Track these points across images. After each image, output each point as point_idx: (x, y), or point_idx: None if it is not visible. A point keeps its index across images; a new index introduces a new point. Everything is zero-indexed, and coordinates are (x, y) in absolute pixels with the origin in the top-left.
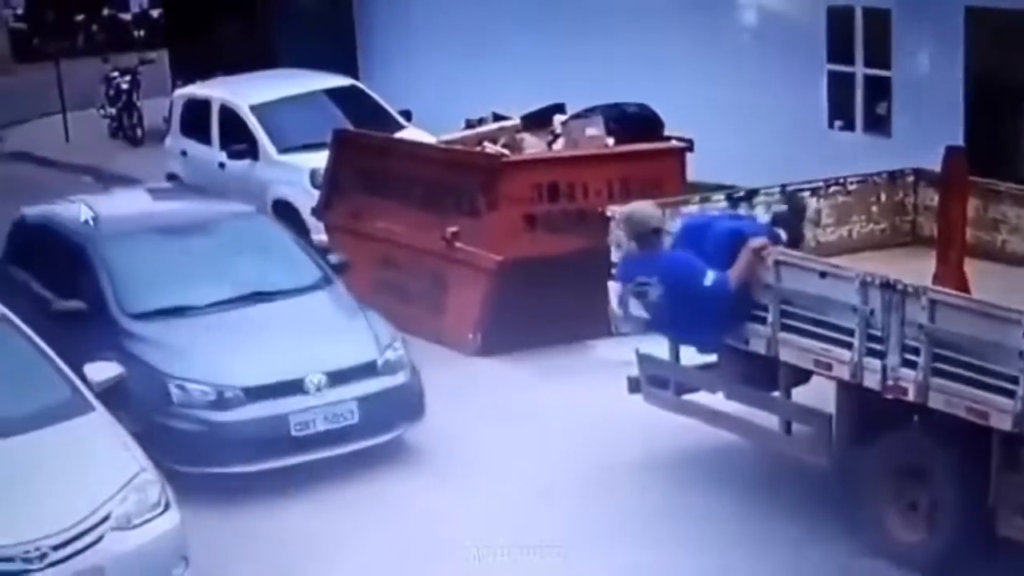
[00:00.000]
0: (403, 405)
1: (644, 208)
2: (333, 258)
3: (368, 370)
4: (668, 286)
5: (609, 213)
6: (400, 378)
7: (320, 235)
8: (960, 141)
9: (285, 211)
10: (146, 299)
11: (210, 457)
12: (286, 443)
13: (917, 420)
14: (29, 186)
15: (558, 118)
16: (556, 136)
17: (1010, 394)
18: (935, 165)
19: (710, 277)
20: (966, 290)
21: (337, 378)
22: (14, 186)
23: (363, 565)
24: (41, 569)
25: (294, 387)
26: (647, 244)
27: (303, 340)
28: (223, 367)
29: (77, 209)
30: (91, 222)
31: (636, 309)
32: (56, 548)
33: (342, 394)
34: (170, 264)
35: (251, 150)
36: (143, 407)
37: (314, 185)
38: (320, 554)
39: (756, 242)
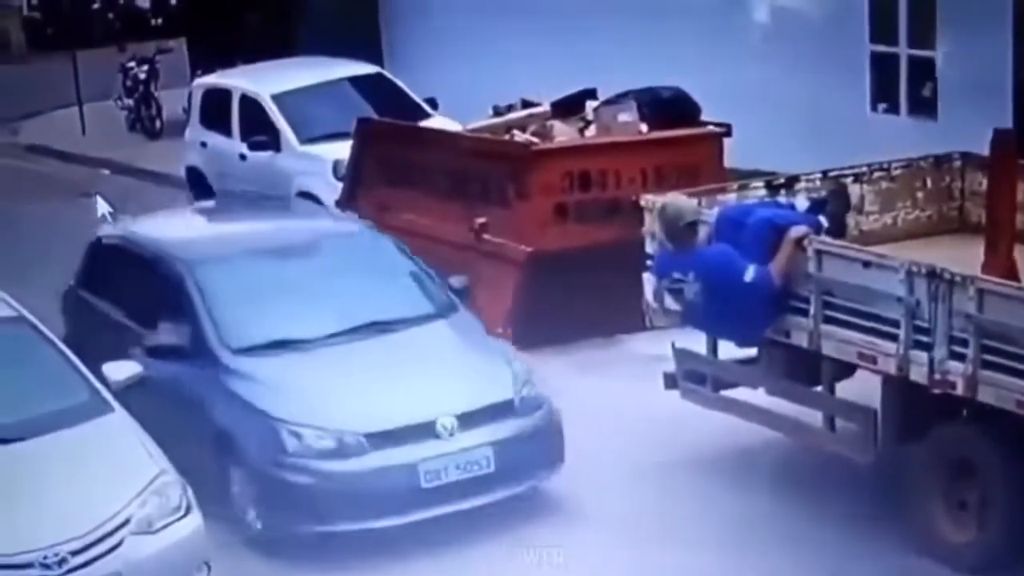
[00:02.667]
0: (542, 449)
1: (677, 201)
2: (455, 281)
3: (504, 410)
4: (706, 283)
5: (643, 203)
6: (538, 418)
7: None
8: (1009, 123)
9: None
10: (251, 332)
11: (329, 513)
12: (415, 496)
13: (966, 415)
14: (48, 181)
15: (589, 104)
16: (587, 123)
17: None
18: (983, 148)
19: (751, 272)
20: (1016, 278)
21: (470, 420)
22: (32, 181)
23: None
24: (61, 575)
25: (423, 432)
26: (682, 239)
27: (430, 377)
28: (342, 410)
29: (164, 227)
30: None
31: (672, 303)
32: (75, 553)
33: (476, 438)
34: (275, 291)
35: (273, 141)
36: (250, 457)
37: (337, 177)
38: None
39: (797, 231)
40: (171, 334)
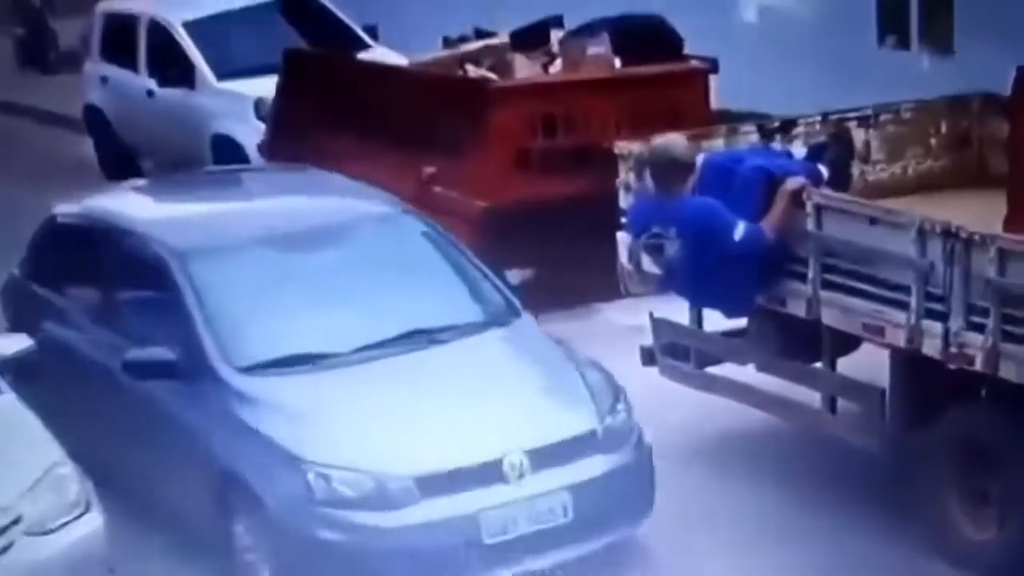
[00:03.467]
0: (630, 493)
1: (669, 138)
2: (512, 276)
3: (585, 444)
4: (689, 239)
5: (617, 150)
6: (627, 454)
7: None
8: None
9: (226, 149)
10: (262, 344)
11: None
12: (475, 554)
13: (986, 394)
14: None
15: (555, 35)
16: (552, 57)
17: None
18: (1006, 88)
19: (740, 229)
20: None
21: (544, 458)
22: None
23: None
24: None
25: (486, 474)
26: (665, 183)
27: (492, 403)
28: (384, 445)
29: (143, 204)
30: None
31: (650, 266)
32: None
33: (551, 481)
34: (291, 291)
35: (186, 76)
36: (264, 506)
37: (260, 117)
38: None
39: (793, 183)
40: (156, 346)
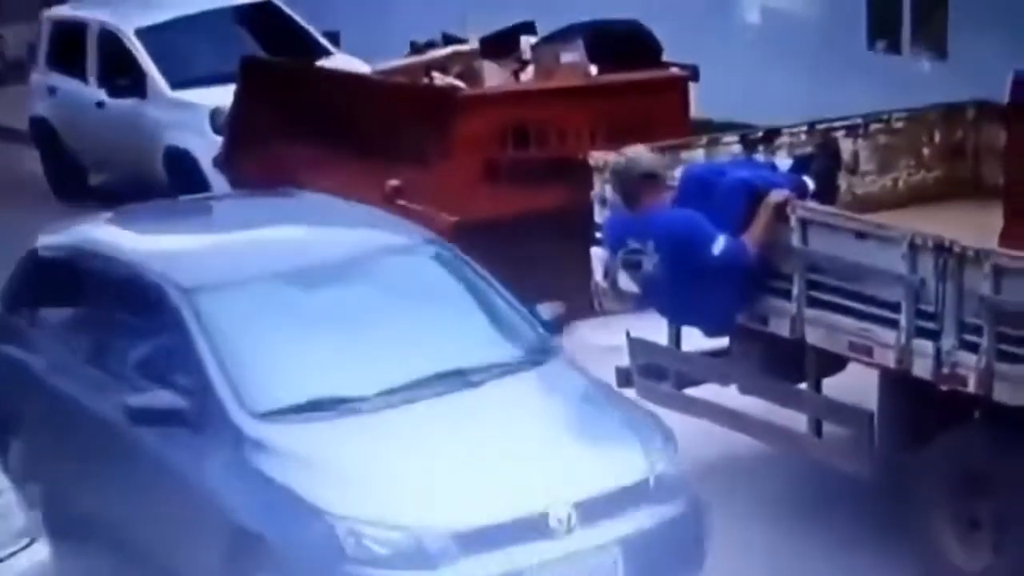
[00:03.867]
0: (682, 546)
1: (635, 150)
2: (545, 311)
3: (636, 495)
4: (667, 254)
5: (592, 161)
6: (680, 504)
7: (224, 191)
8: None
9: (180, 162)
10: (282, 388)
11: None
12: None
13: (979, 416)
14: None
15: (526, 41)
16: (524, 64)
17: None
18: (1002, 95)
19: (720, 244)
20: None
21: (593, 510)
22: None
23: None
24: None
25: (531, 528)
26: (637, 198)
27: (535, 450)
28: (420, 498)
29: (141, 233)
30: None
31: (627, 282)
32: None
33: (601, 535)
34: (309, 330)
35: (138, 86)
36: (288, 567)
37: (216, 129)
38: None
39: (777, 196)
40: (162, 390)
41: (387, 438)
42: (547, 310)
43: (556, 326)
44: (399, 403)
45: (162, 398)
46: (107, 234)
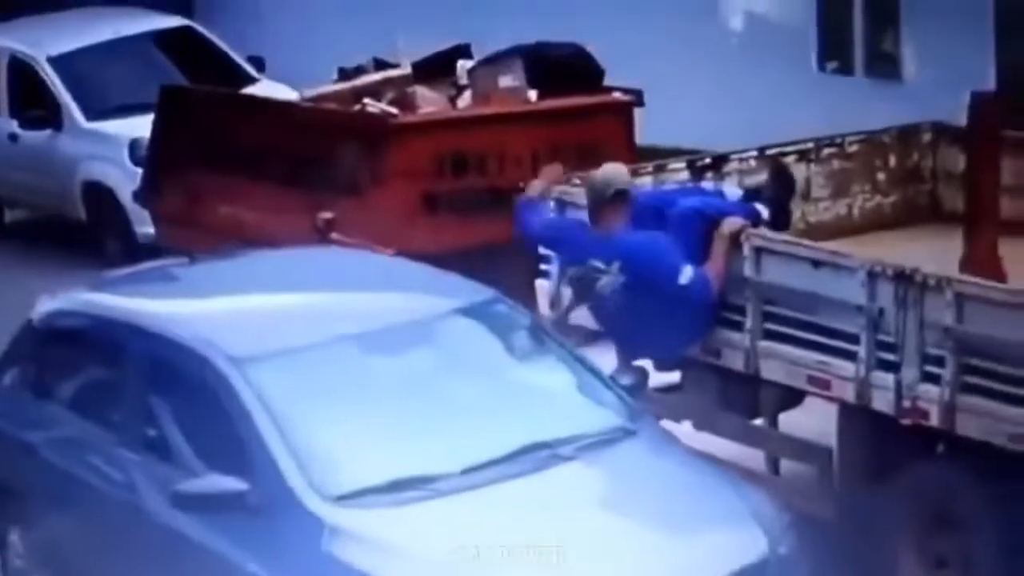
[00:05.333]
0: None
1: (614, 167)
2: (625, 378)
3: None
4: (633, 277)
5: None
6: None
7: (145, 227)
8: (991, 85)
9: (99, 197)
10: (356, 467)
11: None
12: None
13: (943, 451)
14: None
15: (462, 65)
16: (460, 89)
17: None
18: (960, 117)
19: (687, 274)
20: (1002, 278)
21: None
22: None
23: None
24: None
25: None
26: (605, 217)
27: (646, 532)
28: None
29: (160, 300)
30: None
31: (576, 313)
32: None
33: None
34: (380, 402)
35: (52, 117)
36: None
37: (136, 161)
38: None
39: (731, 225)
40: (219, 475)
41: (478, 522)
42: (627, 376)
43: (638, 391)
44: (486, 482)
45: (220, 482)
46: (123, 300)
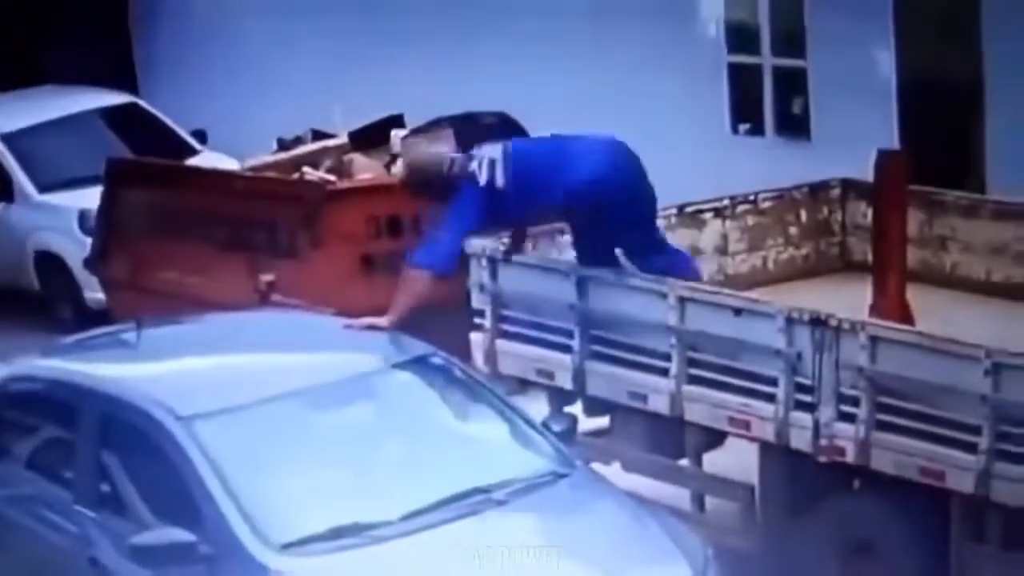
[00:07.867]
0: None
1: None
2: (555, 423)
3: None
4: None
5: (470, 250)
6: None
7: (95, 293)
8: (895, 143)
9: (51, 266)
10: (301, 517)
11: None
12: None
13: (859, 485)
14: None
15: (396, 134)
16: (395, 156)
17: (971, 448)
18: (866, 174)
19: None
20: (910, 322)
21: None
22: None
23: None
24: None
25: None
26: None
27: (574, 566)
28: None
29: (109, 363)
30: None
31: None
32: None
33: None
34: (321, 453)
35: (4, 190)
36: None
37: (85, 230)
38: None
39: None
40: (169, 528)
41: (416, 565)
42: (557, 422)
43: (569, 436)
44: (425, 527)
45: (171, 534)
46: (74, 364)
